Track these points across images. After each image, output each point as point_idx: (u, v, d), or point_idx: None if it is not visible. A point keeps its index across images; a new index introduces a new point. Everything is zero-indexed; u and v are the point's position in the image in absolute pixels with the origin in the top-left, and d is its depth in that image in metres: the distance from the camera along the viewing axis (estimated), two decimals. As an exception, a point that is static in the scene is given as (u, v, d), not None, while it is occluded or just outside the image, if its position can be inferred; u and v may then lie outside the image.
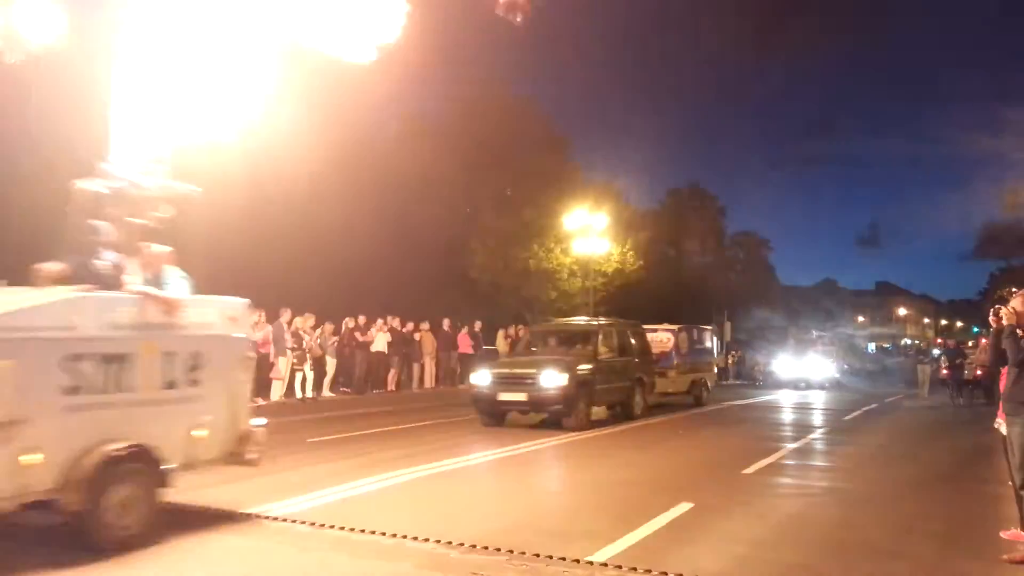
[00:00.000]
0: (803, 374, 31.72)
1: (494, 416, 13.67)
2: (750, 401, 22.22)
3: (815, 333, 40.52)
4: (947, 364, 23.32)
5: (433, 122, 35.71)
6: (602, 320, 17.21)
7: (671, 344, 18.73)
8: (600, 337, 15.05)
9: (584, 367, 13.75)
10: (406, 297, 30.95)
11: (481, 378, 13.94)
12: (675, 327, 19.32)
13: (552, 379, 13.04)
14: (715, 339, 38.25)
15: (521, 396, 13.24)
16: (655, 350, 17.43)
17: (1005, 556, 6.00)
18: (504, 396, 13.34)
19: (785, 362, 33.67)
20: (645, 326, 17.85)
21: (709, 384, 20.04)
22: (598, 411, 14.66)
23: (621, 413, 15.15)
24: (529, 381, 13.21)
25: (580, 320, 18.69)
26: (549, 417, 13.39)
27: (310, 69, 9.86)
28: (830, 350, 36.10)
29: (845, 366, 36.36)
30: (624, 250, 34.54)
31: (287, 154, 32.61)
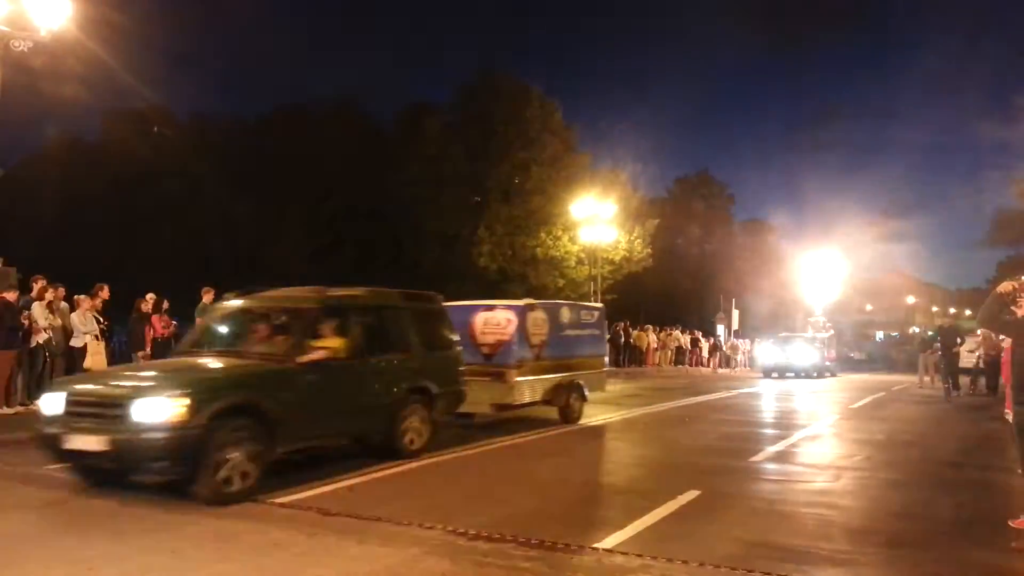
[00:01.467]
0: (788, 361, 29.93)
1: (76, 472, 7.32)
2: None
3: (814, 318, 39.01)
4: (941, 348, 20.58)
5: (439, 110, 35.75)
6: (340, 292, 9.08)
7: (512, 330, 11.69)
8: (321, 322, 8.29)
9: (240, 383, 7.36)
10: (413, 285, 31.05)
11: (50, 403, 7.26)
12: (523, 303, 12.23)
13: (151, 412, 6.62)
14: (723, 327, 38.27)
15: (97, 443, 6.73)
16: (490, 338, 11.78)
17: (1015, 544, 5.99)
18: (72, 442, 6.88)
19: (768, 348, 31.76)
20: (480, 301, 12.77)
21: (586, 389, 13.02)
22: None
23: (378, 450, 8.82)
24: (113, 414, 6.77)
25: (296, 293, 9.29)
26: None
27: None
28: (823, 336, 34.23)
29: (835, 353, 34.68)
30: (632, 238, 34.51)
31: (291, 149, 32.63)
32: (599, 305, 16.19)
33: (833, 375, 31.37)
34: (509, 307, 12.05)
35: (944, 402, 18.65)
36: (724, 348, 37.26)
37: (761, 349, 33.29)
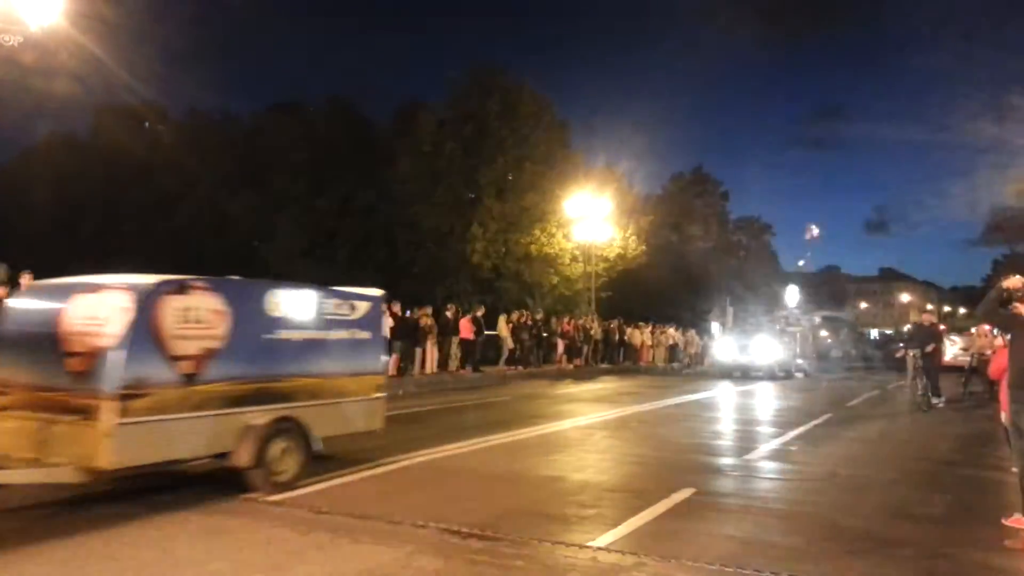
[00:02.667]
0: (747, 360, 26.24)
1: None
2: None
3: (784, 312, 34.34)
4: (915, 347, 16.67)
5: (434, 107, 35.70)
6: None
7: (118, 328, 6.13)
8: None
9: None
10: (408, 282, 31.02)
11: None
12: (152, 281, 6.47)
13: None
14: (719, 325, 38.09)
15: None
16: (80, 343, 6.31)
17: (1007, 542, 6.00)
18: None
19: (726, 345, 27.92)
20: (80, 279, 7.06)
21: (314, 430, 7.55)
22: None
23: None
24: None
25: None
26: None
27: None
28: (787, 332, 29.57)
29: (800, 352, 30.25)
30: (626, 235, 34.52)
31: (285, 146, 32.57)
32: (370, 292, 8.80)
33: (806, 375, 28.34)
34: (125, 287, 6.45)
35: (916, 412, 15.63)
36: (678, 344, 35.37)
37: (719, 346, 29.06)
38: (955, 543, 6.08)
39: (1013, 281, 6.19)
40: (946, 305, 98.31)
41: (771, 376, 25.42)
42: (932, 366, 16.44)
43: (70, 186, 35.81)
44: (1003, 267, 50.09)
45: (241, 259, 33.14)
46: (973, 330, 18.83)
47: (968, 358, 20.06)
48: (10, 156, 36.20)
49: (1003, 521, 6.41)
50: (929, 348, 16.42)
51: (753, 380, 24.98)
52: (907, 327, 28.77)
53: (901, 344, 20.24)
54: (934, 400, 16.15)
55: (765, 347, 26.58)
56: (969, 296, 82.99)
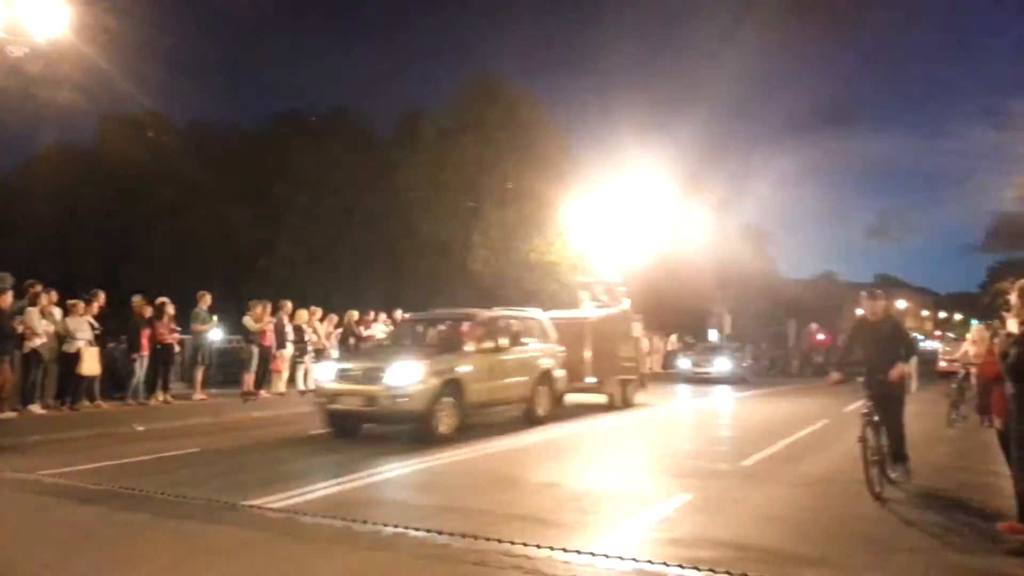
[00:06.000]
0: (705, 367, 29.08)
1: None
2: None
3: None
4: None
5: (436, 116, 35.82)
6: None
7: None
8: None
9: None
10: (408, 290, 31.06)
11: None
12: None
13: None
14: (716, 332, 38.06)
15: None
16: None
17: (1004, 548, 6.04)
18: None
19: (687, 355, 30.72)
20: None
21: None
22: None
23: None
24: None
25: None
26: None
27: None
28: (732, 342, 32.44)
29: (748, 359, 32.96)
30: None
31: (287, 156, 32.68)
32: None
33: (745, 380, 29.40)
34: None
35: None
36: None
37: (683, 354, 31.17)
38: (951, 549, 6.13)
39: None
40: (942, 311, 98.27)
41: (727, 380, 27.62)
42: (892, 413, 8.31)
43: (74, 195, 35.88)
44: (998, 273, 50.06)
45: (244, 268, 33.25)
46: (968, 335, 15.78)
47: (959, 368, 16.07)
48: (14, 165, 36.27)
49: (998, 527, 6.47)
50: (892, 374, 8.03)
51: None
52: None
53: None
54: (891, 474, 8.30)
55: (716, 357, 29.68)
56: (965, 302, 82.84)
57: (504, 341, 12.23)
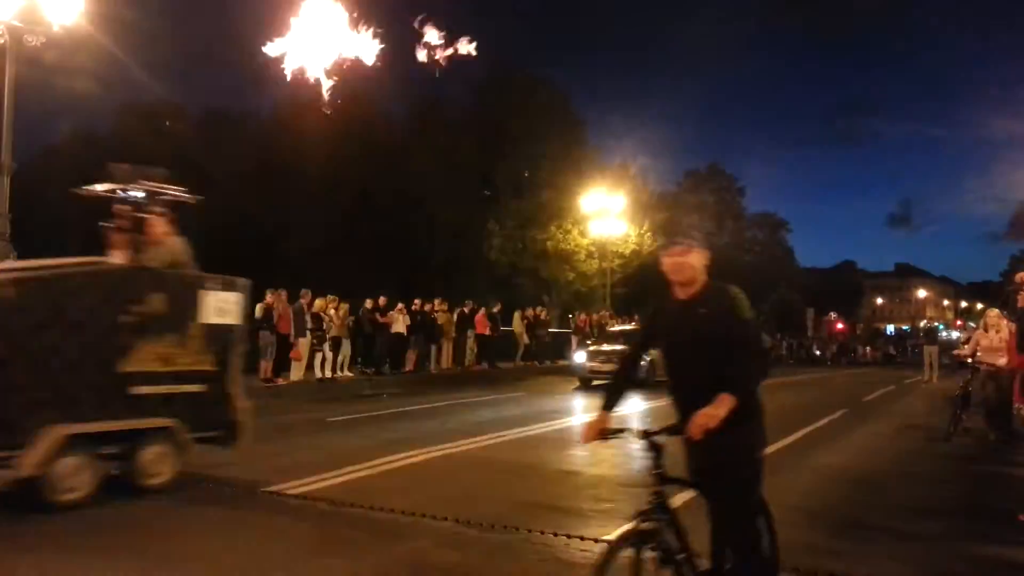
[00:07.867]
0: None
1: None
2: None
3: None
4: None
5: (452, 103, 35.80)
6: None
7: None
8: None
9: None
10: (424, 279, 31.13)
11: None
12: None
13: None
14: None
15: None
16: None
17: None
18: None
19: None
20: None
21: None
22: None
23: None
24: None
25: None
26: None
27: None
28: None
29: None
30: (642, 231, 34.46)
31: (303, 144, 32.84)
32: None
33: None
34: None
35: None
36: None
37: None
38: (971, 538, 6.08)
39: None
40: (963, 300, 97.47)
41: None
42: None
43: (90, 183, 36.11)
44: (1021, 262, 49.60)
45: (260, 257, 33.37)
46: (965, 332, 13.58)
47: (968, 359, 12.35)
48: (32, 154, 36.51)
49: (1020, 518, 6.40)
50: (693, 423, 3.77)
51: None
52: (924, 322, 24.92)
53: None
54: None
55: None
56: (986, 291, 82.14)
57: None
